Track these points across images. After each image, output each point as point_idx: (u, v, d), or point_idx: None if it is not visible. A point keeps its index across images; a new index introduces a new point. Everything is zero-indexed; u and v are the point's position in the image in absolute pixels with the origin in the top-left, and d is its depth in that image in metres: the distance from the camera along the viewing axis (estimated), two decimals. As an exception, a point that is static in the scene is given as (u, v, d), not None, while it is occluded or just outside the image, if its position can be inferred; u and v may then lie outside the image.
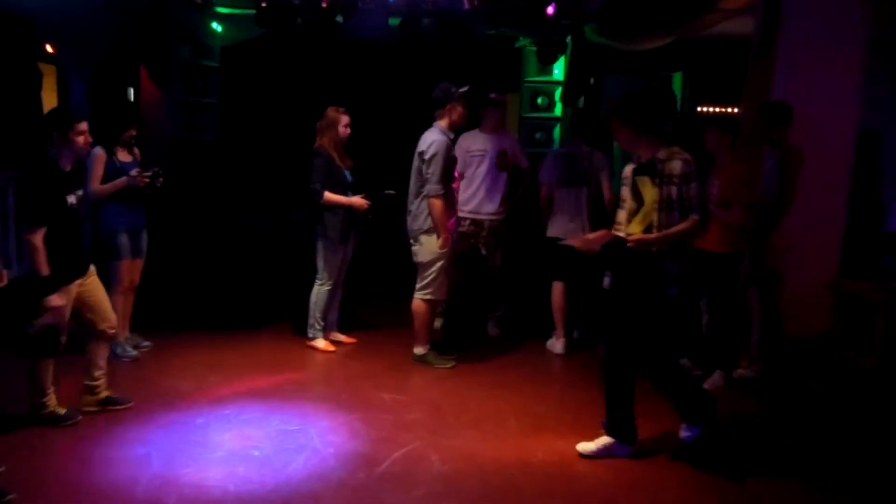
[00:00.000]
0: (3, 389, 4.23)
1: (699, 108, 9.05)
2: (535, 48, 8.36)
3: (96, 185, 4.83)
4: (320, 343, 5.46)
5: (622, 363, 3.82)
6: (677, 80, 9.40)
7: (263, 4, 6.91)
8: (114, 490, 3.29)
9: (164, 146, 8.04)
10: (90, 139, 3.91)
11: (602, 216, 5.43)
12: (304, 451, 3.77)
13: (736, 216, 4.68)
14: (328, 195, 5.24)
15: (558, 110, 8.78)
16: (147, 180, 4.85)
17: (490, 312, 6.18)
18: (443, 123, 5.08)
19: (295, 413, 4.28)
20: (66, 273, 3.82)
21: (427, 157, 4.93)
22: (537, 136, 8.84)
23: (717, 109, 9.13)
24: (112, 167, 4.88)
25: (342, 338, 5.65)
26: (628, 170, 3.80)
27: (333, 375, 5.09)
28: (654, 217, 3.64)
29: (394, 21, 7.21)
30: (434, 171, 4.90)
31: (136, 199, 4.97)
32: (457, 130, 5.26)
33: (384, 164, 6.64)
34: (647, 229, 3.66)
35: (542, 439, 4.03)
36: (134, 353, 5.06)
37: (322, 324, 5.48)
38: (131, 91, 8.70)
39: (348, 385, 4.76)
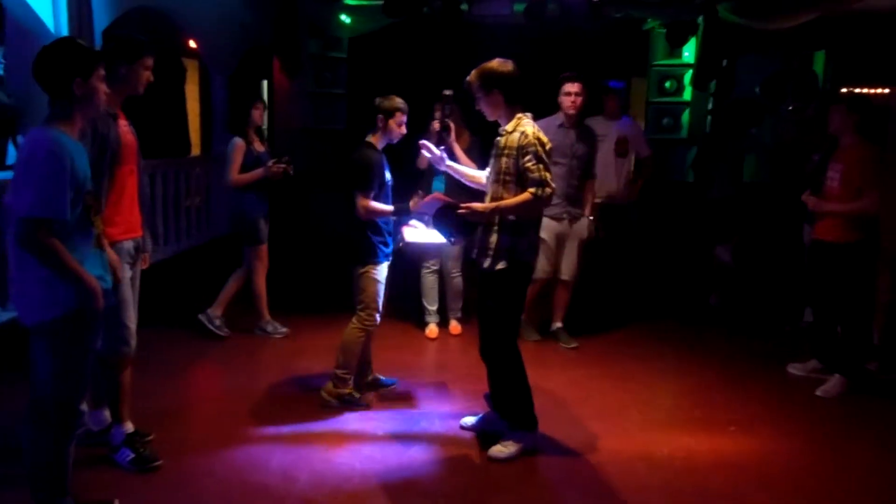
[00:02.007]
0: (151, 362, 4.53)
1: (843, 90, 8.45)
2: (663, 30, 8.08)
3: (236, 174, 5.10)
4: (427, 329, 5.53)
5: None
6: (819, 59, 8.81)
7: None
8: (250, 463, 3.48)
9: (295, 136, 8.37)
10: (405, 131, 4.15)
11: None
12: (428, 434, 3.84)
13: (869, 203, 4.27)
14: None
15: (687, 94, 8.45)
16: (281, 170, 5.06)
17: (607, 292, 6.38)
18: (561, 113, 5.13)
19: (418, 396, 4.36)
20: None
21: None
22: (664, 121, 8.55)
23: (864, 90, 8.50)
24: (250, 156, 5.14)
25: (452, 327, 5.62)
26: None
27: (455, 361, 5.14)
28: (493, 189, 3.53)
29: (519, 7, 7.16)
30: None
31: (268, 187, 5.22)
32: (578, 116, 5.20)
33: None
34: (493, 202, 3.51)
35: (668, 435, 3.91)
36: (284, 329, 5.39)
37: (431, 309, 5.55)
38: (265, 83, 9.13)
39: (470, 371, 4.76)
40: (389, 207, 4.04)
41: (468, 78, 3.58)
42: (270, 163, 5.09)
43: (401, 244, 4.14)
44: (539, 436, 3.71)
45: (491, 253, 3.51)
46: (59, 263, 2.56)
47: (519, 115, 3.54)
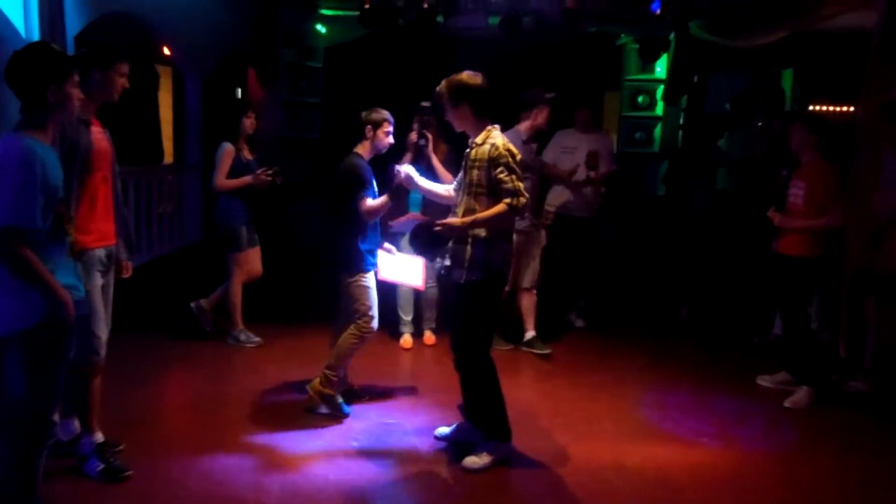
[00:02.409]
0: (123, 371, 4.47)
1: (811, 107, 8.65)
2: (636, 46, 8.21)
3: (222, 178, 5.12)
4: (401, 339, 5.53)
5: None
6: (787, 77, 9.01)
7: (367, 6, 7.05)
8: (222, 473, 3.44)
9: (270, 145, 8.34)
10: (392, 141, 4.23)
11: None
12: (402, 446, 3.84)
13: (833, 219, 4.45)
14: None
15: (659, 109, 8.58)
16: (269, 179, 5.09)
17: (573, 303, 6.37)
18: (523, 127, 5.16)
19: (392, 407, 4.35)
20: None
21: None
22: (637, 135, 8.67)
23: (831, 108, 8.71)
24: (239, 163, 5.17)
25: (426, 337, 5.61)
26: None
27: (430, 371, 5.13)
28: (465, 202, 3.53)
29: (494, 20, 7.22)
30: None
31: (254, 195, 5.21)
32: (540, 135, 5.37)
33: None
34: (466, 214, 3.51)
35: (640, 445, 3.95)
36: (257, 339, 5.35)
37: (406, 319, 5.55)
38: (239, 91, 9.09)
39: (444, 382, 4.75)
40: (384, 198, 4.04)
41: (438, 89, 3.59)
42: (259, 171, 5.11)
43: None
44: (512, 447, 3.72)
45: (465, 265, 3.51)
46: (31, 273, 2.52)
47: (489, 127, 3.55)
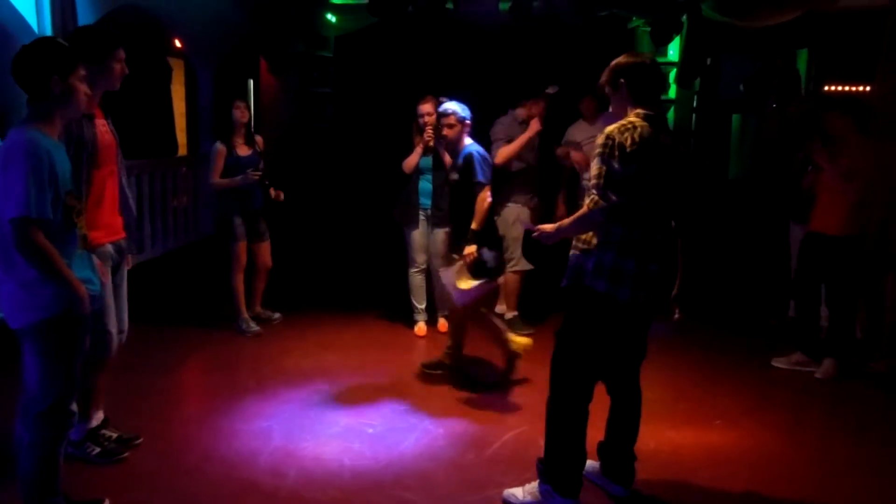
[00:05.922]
0: (139, 362, 4.54)
1: (826, 87, 8.55)
2: (648, 28, 8.13)
3: (215, 178, 5.22)
4: (416, 327, 5.56)
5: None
6: (802, 57, 8.90)
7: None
8: (239, 460, 3.49)
9: (282, 134, 8.38)
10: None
11: None
12: (415, 431, 3.86)
13: (856, 189, 4.41)
14: None
15: (672, 92, 8.51)
16: (257, 177, 5.17)
17: None
18: (520, 112, 5.38)
19: (405, 393, 4.38)
20: None
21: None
22: (650, 119, 8.61)
23: (846, 88, 8.60)
24: (230, 159, 5.22)
25: (440, 325, 5.60)
26: None
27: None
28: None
29: (504, 5, 7.19)
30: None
31: (252, 188, 5.26)
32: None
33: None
34: None
35: (654, 429, 3.93)
36: (256, 328, 5.37)
37: (419, 307, 5.57)
38: (251, 82, 9.13)
39: (458, 368, 4.82)
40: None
41: (599, 83, 3.08)
42: (249, 171, 5.17)
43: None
44: None
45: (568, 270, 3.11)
46: (49, 265, 2.54)
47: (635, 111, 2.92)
